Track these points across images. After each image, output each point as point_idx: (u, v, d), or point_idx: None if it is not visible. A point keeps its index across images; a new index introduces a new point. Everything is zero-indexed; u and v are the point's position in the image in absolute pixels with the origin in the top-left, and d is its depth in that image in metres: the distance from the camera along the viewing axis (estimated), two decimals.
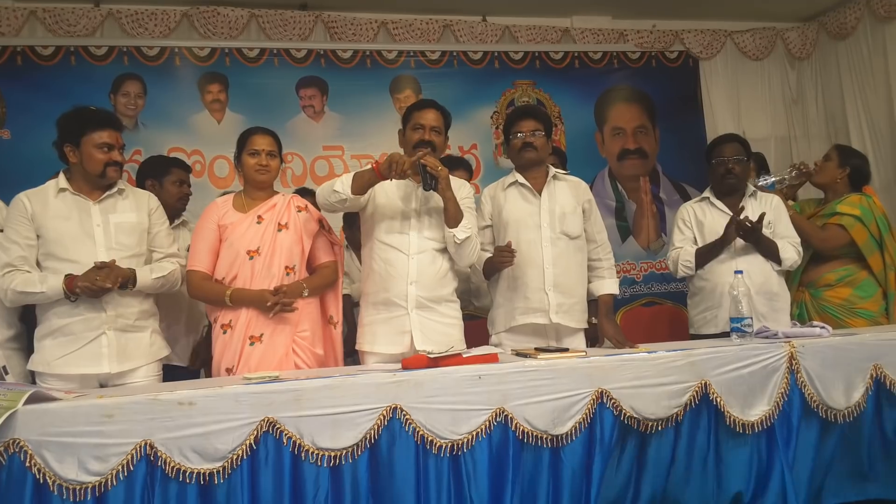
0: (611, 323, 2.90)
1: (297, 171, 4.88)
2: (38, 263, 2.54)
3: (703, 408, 2.36)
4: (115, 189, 2.63)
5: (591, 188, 3.20)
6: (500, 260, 2.83)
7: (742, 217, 3.08)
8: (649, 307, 3.65)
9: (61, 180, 2.59)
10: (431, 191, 2.64)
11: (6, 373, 2.45)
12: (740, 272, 2.72)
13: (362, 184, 2.62)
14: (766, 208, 3.25)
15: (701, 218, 3.32)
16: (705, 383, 2.34)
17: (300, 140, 4.92)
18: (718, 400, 2.34)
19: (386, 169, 2.56)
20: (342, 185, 2.63)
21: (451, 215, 2.68)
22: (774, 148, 5.83)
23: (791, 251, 3.19)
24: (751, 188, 3.34)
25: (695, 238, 3.32)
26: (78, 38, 4.69)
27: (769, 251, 3.17)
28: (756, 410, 2.37)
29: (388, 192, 2.81)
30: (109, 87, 4.68)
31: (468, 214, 2.76)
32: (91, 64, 4.71)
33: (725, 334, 2.78)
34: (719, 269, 3.18)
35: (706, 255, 3.24)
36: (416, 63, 5.22)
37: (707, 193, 3.38)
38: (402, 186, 2.82)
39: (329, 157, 4.96)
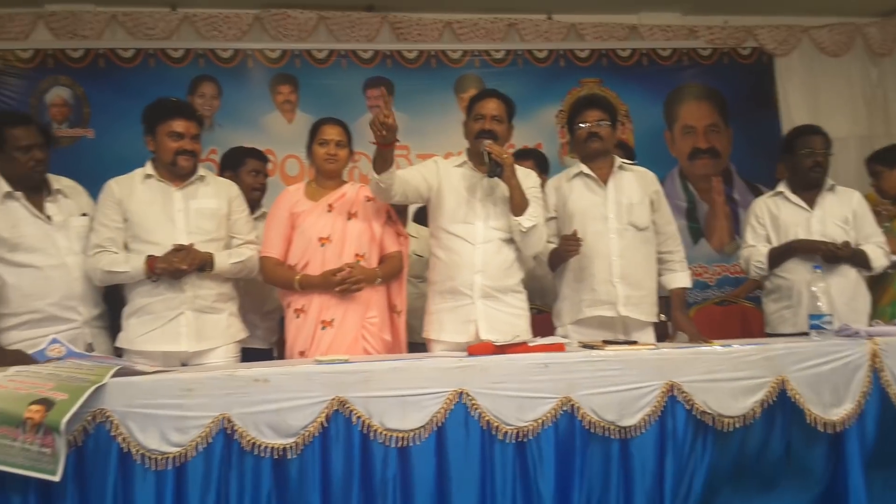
0: (684, 317, 2.86)
1: (363, 170, 4.95)
2: (125, 246, 2.66)
3: (780, 405, 2.28)
4: (196, 176, 2.73)
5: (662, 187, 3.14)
6: (566, 248, 2.80)
7: (830, 242, 3.01)
8: (722, 306, 3.55)
9: (148, 167, 2.72)
10: (497, 180, 2.64)
11: (92, 349, 2.58)
12: (819, 267, 2.64)
13: (379, 161, 2.60)
14: (846, 204, 3.14)
15: (776, 213, 3.21)
16: (783, 380, 2.26)
17: (367, 139, 4.98)
18: (797, 397, 2.25)
19: (376, 136, 2.52)
20: (370, 171, 2.65)
21: (517, 203, 2.68)
22: (855, 148, 5.57)
23: (880, 255, 3.08)
24: (829, 182, 3.21)
25: (768, 236, 3.21)
26: (156, 41, 4.89)
27: (858, 262, 3.07)
28: (838, 409, 2.27)
29: (454, 181, 2.83)
30: (186, 88, 4.86)
31: (534, 203, 2.75)
32: (169, 66, 4.91)
33: (804, 335, 2.67)
34: (798, 265, 3.07)
35: (780, 256, 3.13)
36: (481, 62, 5.24)
37: (782, 188, 3.26)
38: (467, 176, 2.83)
39: (395, 155, 5.01)
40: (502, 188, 2.74)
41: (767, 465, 2.30)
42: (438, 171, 2.86)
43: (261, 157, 3.40)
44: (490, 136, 2.74)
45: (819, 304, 2.50)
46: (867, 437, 2.28)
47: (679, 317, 2.90)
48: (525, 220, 2.68)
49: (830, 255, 2.99)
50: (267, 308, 3.23)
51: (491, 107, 2.80)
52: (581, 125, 2.95)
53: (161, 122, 2.66)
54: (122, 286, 2.69)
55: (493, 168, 2.63)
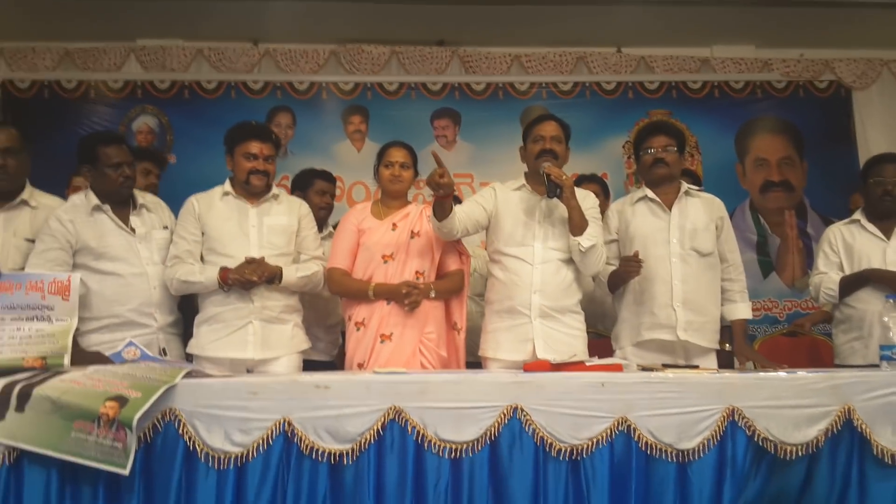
0: (748, 347, 2.80)
1: (427, 197, 5.06)
2: (202, 258, 2.81)
3: (846, 435, 2.19)
4: (270, 194, 2.88)
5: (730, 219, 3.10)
6: (627, 269, 2.80)
7: None
8: (791, 337, 3.45)
9: (227, 185, 2.89)
10: (556, 201, 2.67)
11: (165, 354, 2.71)
12: (892, 297, 2.54)
13: (438, 210, 2.66)
14: None
15: (850, 241, 3.13)
16: (849, 408, 2.17)
17: (432, 168, 5.11)
18: (864, 427, 2.16)
19: (435, 192, 2.58)
20: (431, 218, 2.72)
21: (576, 223, 2.70)
22: None
23: None
24: None
25: (841, 264, 3.13)
26: (238, 73, 5.18)
27: None
28: None
29: (512, 203, 2.87)
30: (264, 118, 5.11)
31: (593, 224, 2.76)
32: (248, 97, 5.18)
33: (875, 367, 2.58)
34: (870, 296, 2.98)
35: (852, 285, 3.04)
36: (548, 94, 5.32)
37: (858, 216, 3.18)
38: (525, 199, 2.87)
39: (459, 184, 5.09)
40: (561, 209, 2.77)
41: (835, 498, 2.20)
42: (496, 195, 2.91)
43: (328, 178, 3.54)
44: (551, 156, 2.78)
45: (891, 334, 2.41)
46: None
47: (743, 347, 2.84)
48: (584, 240, 2.69)
49: None
50: (330, 322, 3.33)
51: (549, 129, 2.85)
52: (647, 151, 2.96)
53: (239, 143, 2.82)
54: (195, 296, 2.83)
55: (552, 189, 2.67)
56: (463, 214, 2.78)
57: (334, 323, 3.33)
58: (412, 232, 2.86)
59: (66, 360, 2.26)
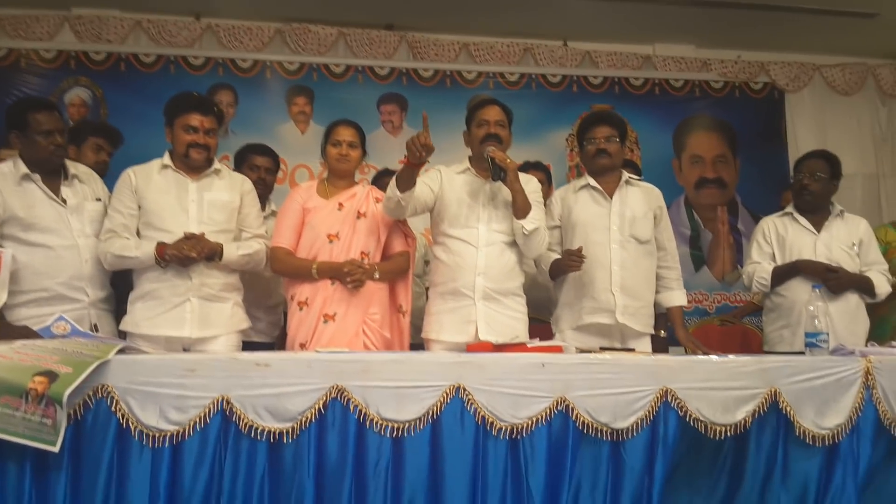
0: (687, 333, 2.91)
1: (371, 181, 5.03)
2: (138, 233, 2.72)
3: (772, 417, 2.29)
4: (211, 169, 2.80)
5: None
6: (569, 263, 2.84)
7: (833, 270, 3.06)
8: (722, 325, 3.59)
9: (165, 158, 2.80)
10: (500, 184, 2.69)
11: (96, 330, 2.62)
12: (818, 286, 2.67)
13: (405, 179, 2.65)
14: (853, 231, 3.18)
15: (783, 233, 3.25)
16: (775, 391, 2.27)
17: (378, 153, 5.04)
18: (788, 409, 2.27)
19: (412, 155, 2.57)
20: (391, 188, 2.68)
21: (520, 206, 2.73)
22: (861, 185, 5.66)
23: (883, 282, 3.12)
24: (838, 208, 3.24)
25: (773, 254, 3.25)
26: (178, 48, 5.01)
27: (861, 288, 3.11)
28: (828, 423, 2.28)
29: (456, 186, 2.88)
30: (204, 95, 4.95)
31: (536, 207, 2.80)
32: (188, 73, 5.02)
33: (801, 354, 2.70)
34: (799, 285, 3.10)
35: (784, 275, 3.17)
36: (495, 84, 5.34)
37: (790, 208, 3.31)
38: (469, 182, 2.89)
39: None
40: (504, 193, 2.80)
41: (760, 477, 2.30)
42: (441, 178, 2.92)
43: (265, 152, 3.45)
44: (495, 140, 2.80)
45: (816, 321, 2.52)
46: (859, 452, 2.28)
47: (682, 333, 2.95)
48: (527, 223, 2.73)
49: (833, 283, 3.02)
50: (270, 302, 3.28)
51: (493, 113, 2.87)
52: (591, 140, 3.00)
53: (179, 114, 2.74)
54: (129, 272, 2.74)
55: (496, 172, 2.69)
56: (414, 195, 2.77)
57: (275, 304, 3.28)
58: (358, 212, 2.84)
59: None
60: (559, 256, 2.93)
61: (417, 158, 2.56)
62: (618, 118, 3.15)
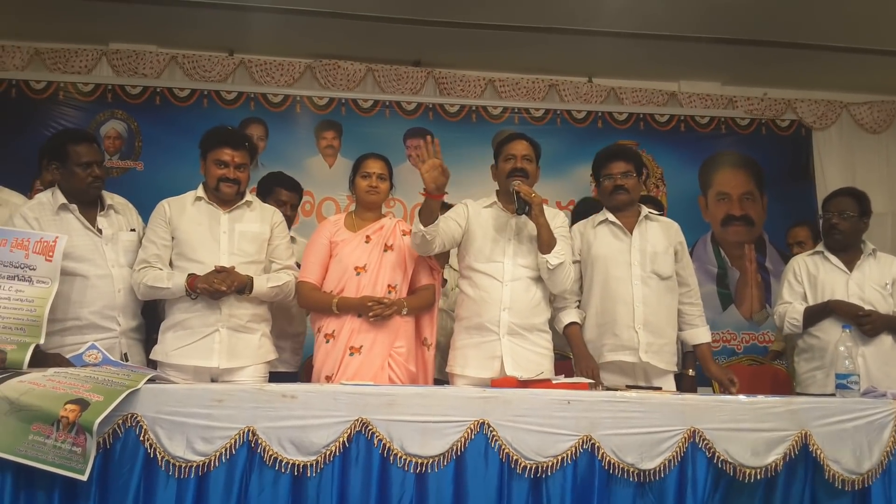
0: (717, 366, 2.89)
1: (398, 216, 5.07)
2: (171, 263, 2.77)
3: (802, 460, 2.25)
4: (243, 201, 2.86)
5: (691, 253, 3.17)
6: (582, 371, 2.82)
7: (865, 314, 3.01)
8: (751, 366, 3.53)
9: (199, 190, 2.87)
10: (526, 219, 2.70)
11: (126, 359, 2.65)
12: (848, 327, 2.63)
13: (426, 213, 2.67)
14: (886, 271, 3.14)
15: (814, 272, 3.20)
16: (806, 433, 2.23)
17: (403, 186, 5.06)
18: (819, 452, 2.22)
19: (430, 185, 2.60)
20: (415, 224, 2.71)
21: (545, 241, 2.74)
22: (892, 224, 5.59)
23: None
24: (870, 247, 3.19)
25: (805, 294, 3.20)
26: (212, 83, 5.15)
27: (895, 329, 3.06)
28: (860, 467, 2.23)
29: (483, 220, 2.90)
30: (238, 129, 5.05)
31: (562, 242, 2.79)
32: (221, 107, 5.15)
33: (832, 396, 2.65)
34: (832, 326, 3.04)
35: (816, 315, 3.12)
36: (520, 119, 5.40)
37: (821, 247, 3.26)
38: (496, 216, 2.91)
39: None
40: (530, 228, 2.81)
41: None
42: (468, 211, 2.94)
43: (292, 186, 3.48)
44: (522, 175, 2.82)
45: (847, 362, 2.48)
46: (891, 497, 2.23)
47: (714, 368, 2.93)
48: (552, 258, 2.73)
49: (868, 328, 2.99)
50: (292, 330, 3.30)
51: (521, 147, 2.89)
52: (609, 177, 3.00)
53: (212, 149, 2.81)
54: (161, 302, 2.79)
55: (521, 206, 2.71)
56: (440, 229, 2.79)
57: (296, 332, 3.32)
58: (385, 245, 2.87)
59: (42, 335, 2.27)
60: (575, 321, 2.92)
61: (433, 188, 2.59)
62: (633, 152, 3.15)
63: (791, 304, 3.19)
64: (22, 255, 2.42)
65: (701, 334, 3.00)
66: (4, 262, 2.35)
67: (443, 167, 2.61)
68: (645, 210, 3.04)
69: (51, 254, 2.44)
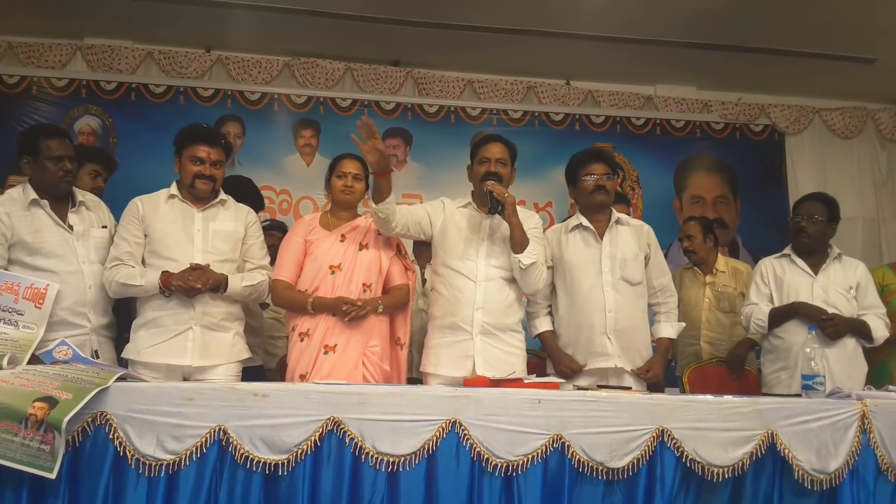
0: (659, 365, 2.95)
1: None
2: (143, 261, 2.75)
3: (769, 459, 2.29)
4: (217, 199, 2.85)
5: (666, 255, 3.19)
6: (562, 371, 2.91)
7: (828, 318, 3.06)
8: (719, 366, 3.58)
9: (173, 188, 2.84)
10: (500, 221, 2.72)
11: (97, 357, 2.63)
12: (814, 328, 2.67)
13: (376, 191, 2.73)
14: (851, 274, 3.19)
15: (780, 274, 3.25)
16: (772, 433, 2.26)
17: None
18: (786, 451, 2.26)
19: (374, 167, 2.67)
20: (370, 203, 2.78)
21: (517, 241, 2.76)
22: (862, 228, 5.71)
23: (880, 326, 3.11)
24: (836, 251, 3.24)
25: (771, 295, 3.25)
26: (188, 79, 5.12)
27: (859, 332, 3.11)
28: (826, 467, 2.27)
29: (457, 220, 2.92)
30: (212, 126, 5.02)
31: (535, 242, 2.81)
32: (197, 104, 5.12)
33: (798, 396, 2.69)
34: (797, 327, 3.09)
35: (781, 317, 3.17)
36: (499, 121, 5.43)
37: (788, 250, 3.30)
38: (470, 216, 2.93)
39: (407, 204, 5.13)
40: (504, 229, 2.82)
41: None
42: (444, 209, 2.96)
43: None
44: (495, 178, 2.83)
45: (812, 363, 2.53)
46: (857, 495, 2.27)
47: (654, 360, 2.97)
48: (524, 258, 2.75)
49: (830, 331, 3.03)
50: (255, 324, 3.25)
51: (495, 150, 2.90)
52: (590, 176, 3.02)
53: (187, 145, 2.79)
54: (132, 300, 2.76)
55: (494, 206, 2.73)
56: (406, 211, 2.84)
57: (258, 326, 3.33)
58: (361, 244, 2.88)
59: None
60: (548, 329, 3.02)
61: (373, 165, 2.65)
62: (610, 154, 3.22)
63: (757, 306, 3.23)
64: (11, 299, 2.46)
65: (662, 329, 3.05)
66: None
67: (379, 150, 2.64)
68: (616, 214, 3.06)
69: (41, 301, 2.48)
